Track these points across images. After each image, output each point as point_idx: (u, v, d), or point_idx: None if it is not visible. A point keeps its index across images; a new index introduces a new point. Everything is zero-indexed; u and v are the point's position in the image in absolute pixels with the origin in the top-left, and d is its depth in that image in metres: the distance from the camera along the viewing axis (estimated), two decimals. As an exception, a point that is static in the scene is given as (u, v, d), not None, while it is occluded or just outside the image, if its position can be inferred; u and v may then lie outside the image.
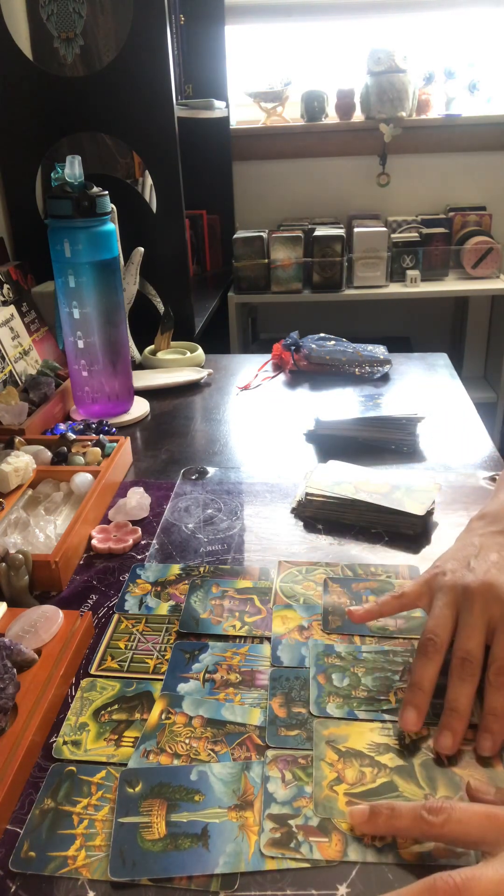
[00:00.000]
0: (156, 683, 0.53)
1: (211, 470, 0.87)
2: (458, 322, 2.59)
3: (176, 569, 0.67)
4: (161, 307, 1.35)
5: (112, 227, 0.92)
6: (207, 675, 0.54)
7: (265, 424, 1.01)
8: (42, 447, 0.84)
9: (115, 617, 0.60)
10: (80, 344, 0.95)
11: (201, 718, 0.50)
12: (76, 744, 0.48)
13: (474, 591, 0.50)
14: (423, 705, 0.48)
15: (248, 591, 0.63)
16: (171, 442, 0.96)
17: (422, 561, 0.67)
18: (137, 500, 0.77)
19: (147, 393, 1.11)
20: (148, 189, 1.43)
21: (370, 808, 0.41)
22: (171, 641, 0.57)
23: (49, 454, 0.83)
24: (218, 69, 2.20)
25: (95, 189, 0.89)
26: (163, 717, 0.50)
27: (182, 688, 0.52)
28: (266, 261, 2.12)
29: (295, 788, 0.44)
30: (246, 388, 1.15)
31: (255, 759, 0.46)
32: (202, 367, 1.21)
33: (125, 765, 0.46)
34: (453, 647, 0.49)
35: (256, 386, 1.16)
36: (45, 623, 0.56)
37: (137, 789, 0.44)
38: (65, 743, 0.48)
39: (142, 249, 1.19)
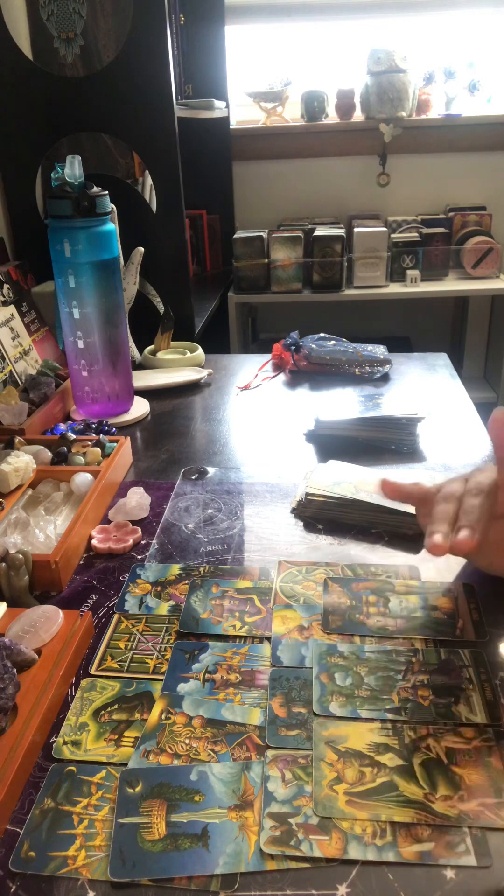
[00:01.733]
0: (156, 683, 0.53)
1: (211, 470, 0.87)
2: (458, 322, 2.59)
3: (176, 569, 0.67)
4: (161, 307, 1.35)
5: (112, 227, 0.92)
6: (207, 675, 0.53)
7: (265, 424, 1.01)
8: (42, 447, 0.84)
9: (115, 617, 0.60)
10: (80, 344, 0.95)
11: (201, 718, 0.50)
12: (76, 744, 0.48)
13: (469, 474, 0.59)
14: (445, 527, 0.53)
15: (248, 591, 0.63)
16: (171, 442, 0.96)
17: (421, 561, 0.67)
18: (137, 500, 0.77)
19: (147, 393, 1.11)
20: (148, 189, 1.43)
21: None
22: (171, 641, 0.57)
23: (49, 454, 0.83)
24: (218, 69, 2.20)
25: (95, 189, 0.89)
26: (163, 717, 0.50)
27: (182, 688, 0.52)
28: (266, 261, 2.12)
29: (295, 788, 0.44)
30: (246, 388, 1.15)
31: (255, 759, 0.46)
32: (202, 367, 1.21)
33: (125, 765, 0.46)
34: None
35: (256, 386, 1.16)
36: (45, 623, 0.56)
37: (137, 789, 0.44)
38: (65, 743, 0.48)
39: (142, 249, 1.19)
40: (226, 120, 2.23)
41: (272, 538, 0.72)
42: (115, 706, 0.51)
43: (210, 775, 0.45)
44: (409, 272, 2.17)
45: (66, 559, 0.65)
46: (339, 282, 2.13)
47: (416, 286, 2.16)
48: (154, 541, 0.72)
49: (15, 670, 0.50)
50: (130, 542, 0.71)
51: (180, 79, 2.00)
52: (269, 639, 0.57)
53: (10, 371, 1.02)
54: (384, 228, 2.16)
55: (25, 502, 0.76)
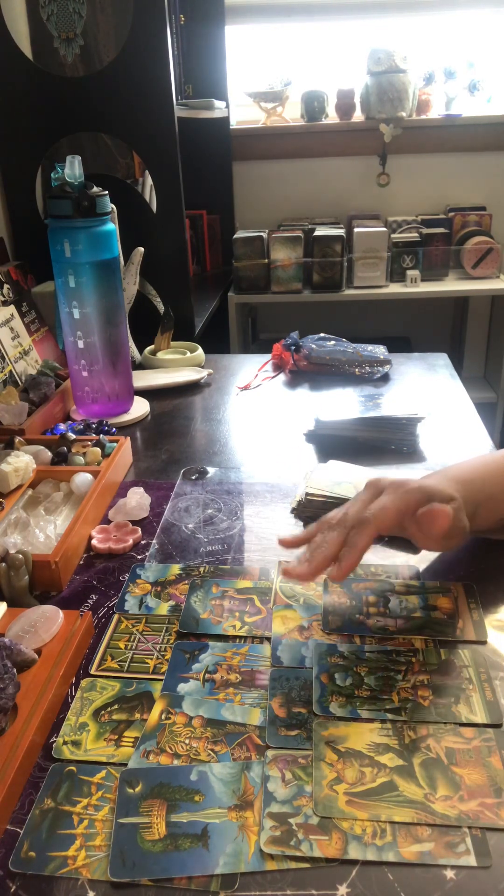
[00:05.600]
0: (156, 683, 0.53)
1: (211, 470, 0.87)
2: (458, 322, 2.59)
3: (176, 569, 0.67)
4: (161, 307, 1.35)
5: (112, 227, 0.92)
6: (207, 675, 0.53)
7: (265, 424, 1.01)
8: (42, 447, 0.84)
9: (115, 617, 0.60)
10: (80, 344, 0.95)
11: (201, 718, 0.50)
12: (76, 744, 0.48)
13: (365, 485, 0.60)
14: (303, 560, 0.55)
15: (248, 591, 0.63)
16: (171, 442, 0.96)
17: (421, 561, 0.67)
18: (137, 500, 0.77)
19: (147, 393, 1.11)
20: (148, 189, 1.43)
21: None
22: (171, 641, 0.57)
23: (49, 454, 0.83)
24: (218, 69, 2.20)
25: (95, 189, 0.89)
26: (163, 717, 0.50)
27: (182, 688, 0.52)
28: (266, 261, 2.12)
29: (295, 788, 0.44)
30: (246, 388, 1.15)
31: (255, 759, 0.46)
32: (202, 367, 1.21)
33: (125, 765, 0.46)
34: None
35: (256, 386, 1.16)
36: (45, 623, 0.56)
37: (137, 790, 0.44)
38: (65, 743, 0.48)
39: (142, 249, 1.19)
40: (226, 120, 2.23)
41: (272, 538, 0.72)
42: (115, 706, 0.51)
43: (210, 775, 0.45)
44: (409, 272, 2.17)
45: (66, 559, 0.65)
46: (339, 282, 2.13)
47: (416, 286, 2.16)
48: (154, 541, 0.72)
49: (15, 670, 0.50)
50: (130, 542, 0.71)
51: (180, 79, 2.00)
52: (269, 639, 0.57)
53: (10, 371, 1.02)
54: (384, 228, 2.16)
55: (25, 502, 0.76)
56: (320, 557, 0.54)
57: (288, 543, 0.60)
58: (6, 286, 1.11)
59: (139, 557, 0.69)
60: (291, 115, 2.35)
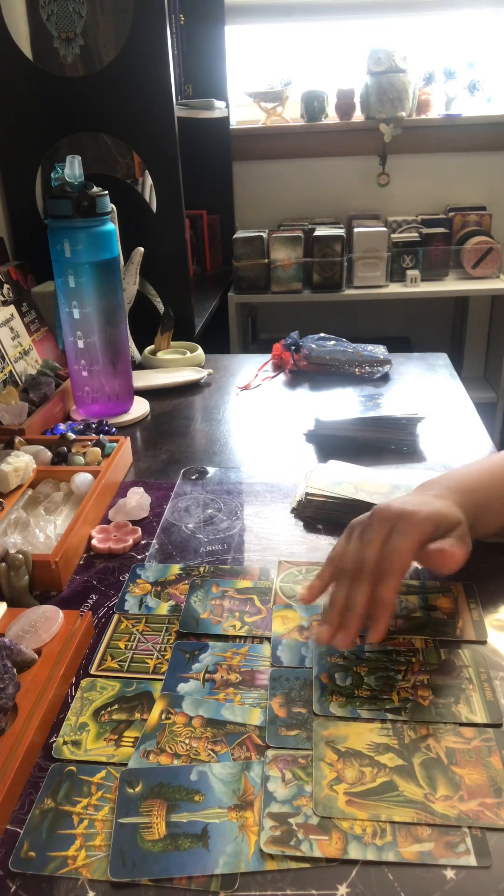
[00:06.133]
0: (156, 683, 0.53)
1: (211, 470, 0.87)
2: (458, 322, 2.59)
3: (176, 569, 0.67)
4: (161, 307, 1.35)
5: (112, 227, 0.92)
6: (207, 675, 0.53)
7: (265, 424, 1.01)
8: (42, 447, 0.84)
9: (115, 617, 0.60)
10: (80, 344, 0.95)
11: (201, 718, 0.50)
12: (76, 744, 0.48)
13: (372, 514, 0.56)
14: (335, 622, 0.53)
15: (248, 591, 0.63)
16: (171, 442, 0.96)
17: (422, 561, 0.67)
18: (137, 500, 0.77)
19: (147, 393, 1.11)
20: (148, 189, 1.43)
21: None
22: (171, 641, 0.57)
23: (49, 454, 0.83)
24: (218, 69, 2.20)
25: (95, 189, 0.89)
26: (163, 717, 0.50)
27: (182, 688, 0.52)
28: (266, 261, 2.12)
29: (295, 788, 0.44)
30: (246, 388, 1.15)
31: (255, 758, 0.46)
32: (202, 367, 1.21)
33: (125, 765, 0.46)
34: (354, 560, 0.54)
35: (256, 386, 1.16)
36: (45, 623, 0.56)
37: (137, 789, 0.44)
38: (65, 743, 0.48)
39: (142, 249, 1.19)
40: (226, 120, 2.23)
41: (272, 538, 0.72)
42: (115, 706, 0.51)
43: (210, 775, 0.45)
44: (409, 272, 2.17)
45: (66, 559, 0.65)
46: (339, 282, 2.13)
47: (416, 286, 2.16)
48: (154, 541, 0.72)
49: (15, 670, 0.50)
50: (130, 542, 0.71)
51: (180, 79, 2.00)
52: (269, 639, 0.57)
53: (10, 371, 1.02)
54: (384, 228, 2.16)
55: (25, 502, 0.76)
56: (355, 622, 0.52)
57: (308, 599, 0.57)
58: (6, 286, 1.11)
59: (139, 557, 0.69)
60: (291, 115, 2.35)
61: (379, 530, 0.54)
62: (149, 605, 0.62)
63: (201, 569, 0.67)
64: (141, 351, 1.25)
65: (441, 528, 0.55)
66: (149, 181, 1.37)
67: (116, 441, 0.87)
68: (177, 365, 1.20)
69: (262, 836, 0.41)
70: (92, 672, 0.55)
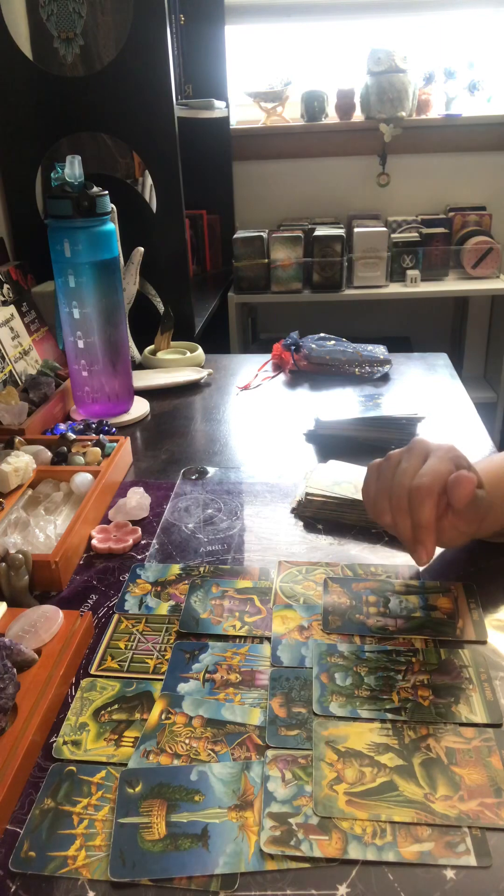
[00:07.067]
0: (156, 683, 0.53)
1: (211, 470, 0.87)
2: (458, 322, 2.59)
3: (176, 569, 0.67)
4: (161, 307, 1.35)
5: (112, 227, 0.92)
6: (207, 675, 0.53)
7: (265, 424, 1.01)
8: (42, 447, 0.84)
9: (115, 617, 0.60)
10: (80, 344, 0.95)
11: (201, 718, 0.50)
12: (76, 744, 0.48)
13: (410, 445, 0.61)
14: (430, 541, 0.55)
15: (248, 591, 0.63)
16: (171, 442, 0.96)
17: (422, 561, 0.67)
18: (137, 500, 0.77)
19: (147, 393, 1.11)
20: (148, 189, 1.43)
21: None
22: (171, 641, 0.57)
23: (49, 454, 0.83)
24: (218, 69, 2.20)
25: (95, 189, 0.89)
26: (163, 717, 0.50)
27: (182, 688, 0.52)
28: (266, 261, 2.12)
29: (295, 788, 0.44)
30: (246, 388, 1.15)
31: (255, 759, 0.46)
32: (202, 367, 1.21)
33: (125, 765, 0.46)
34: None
35: (256, 386, 1.16)
36: (45, 623, 0.56)
37: (137, 789, 0.44)
38: (65, 743, 0.48)
39: (142, 249, 1.19)
40: (226, 120, 2.23)
41: (272, 538, 0.72)
42: (115, 706, 0.51)
43: (210, 775, 0.45)
44: (409, 272, 2.17)
45: (66, 559, 0.65)
46: (339, 282, 2.13)
47: (416, 286, 2.16)
48: (154, 541, 0.72)
49: (15, 670, 0.50)
50: (130, 542, 0.71)
51: (180, 79, 2.00)
52: (269, 639, 0.57)
53: (10, 371, 1.02)
54: (384, 228, 2.16)
55: (25, 502, 0.76)
56: (428, 537, 0.55)
57: (426, 559, 0.57)
58: (6, 286, 1.11)
59: (139, 557, 0.69)
60: (291, 115, 2.35)
61: (414, 459, 0.59)
62: (149, 605, 0.62)
63: (201, 569, 0.67)
64: (141, 351, 1.25)
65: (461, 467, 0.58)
66: (149, 181, 1.37)
67: (116, 441, 0.87)
68: (177, 365, 1.20)
69: (262, 836, 0.41)
70: (92, 672, 0.55)
